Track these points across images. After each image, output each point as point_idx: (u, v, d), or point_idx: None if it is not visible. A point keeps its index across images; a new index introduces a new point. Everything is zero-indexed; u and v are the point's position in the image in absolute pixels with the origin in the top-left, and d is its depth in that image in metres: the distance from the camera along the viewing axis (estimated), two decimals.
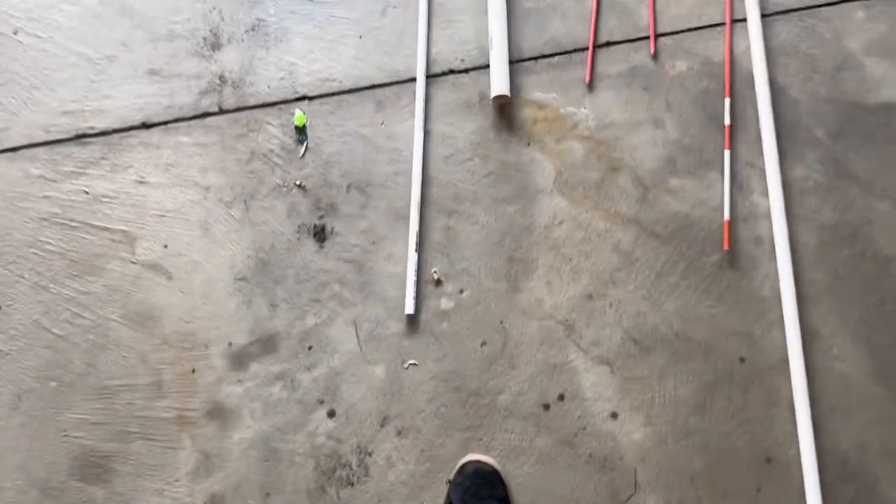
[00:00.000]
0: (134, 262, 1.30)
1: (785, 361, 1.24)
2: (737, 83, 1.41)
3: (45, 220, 1.32)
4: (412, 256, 1.28)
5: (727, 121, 1.38)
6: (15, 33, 1.42)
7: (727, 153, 1.36)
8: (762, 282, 1.29)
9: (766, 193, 1.34)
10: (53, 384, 1.23)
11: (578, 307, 1.28)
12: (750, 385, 1.24)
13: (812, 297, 1.28)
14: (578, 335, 1.27)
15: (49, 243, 1.31)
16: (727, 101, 1.39)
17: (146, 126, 1.37)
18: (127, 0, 1.45)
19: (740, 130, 1.38)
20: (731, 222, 1.32)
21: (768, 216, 1.33)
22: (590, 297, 1.29)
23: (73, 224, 1.32)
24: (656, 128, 1.39)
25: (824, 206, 1.33)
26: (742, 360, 1.25)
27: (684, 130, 1.39)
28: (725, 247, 1.31)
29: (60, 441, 1.20)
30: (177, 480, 1.19)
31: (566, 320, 1.28)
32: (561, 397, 1.24)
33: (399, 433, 1.21)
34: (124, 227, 1.31)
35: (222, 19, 1.44)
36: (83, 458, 1.19)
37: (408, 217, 1.31)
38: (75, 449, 1.20)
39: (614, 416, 1.23)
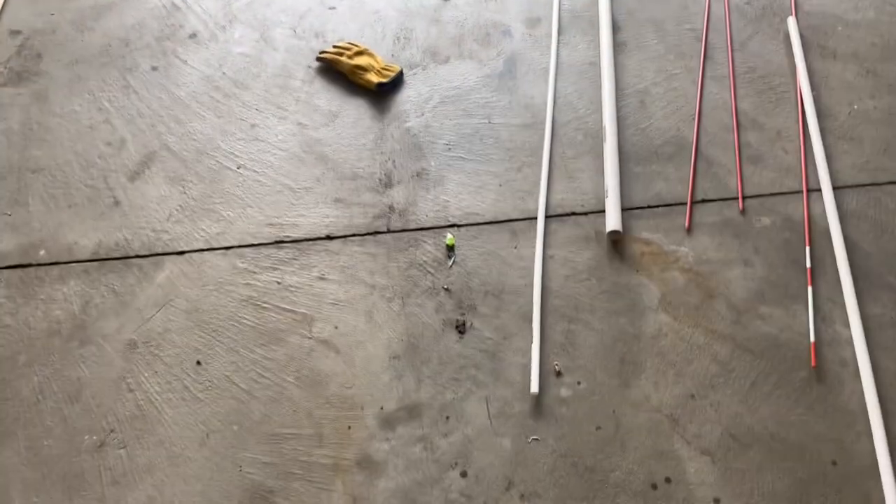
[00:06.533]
0: (309, 338, 1.58)
1: (875, 468, 1.37)
2: (815, 237, 1.68)
3: (244, 301, 1.64)
4: (536, 350, 1.53)
5: (808, 264, 1.64)
6: (238, 168, 1.86)
7: (809, 289, 1.60)
8: (849, 397, 1.46)
9: (846, 324, 1.55)
10: (235, 427, 1.47)
11: (682, 405, 1.47)
12: (843, 487, 1.36)
13: (895, 414, 1.43)
14: (683, 428, 1.44)
15: (245, 318, 1.62)
16: (807, 248, 1.66)
17: (329, 238, 1.73)
18: (324, 150, 1.89)
19: (820, 273, 1.63)
20: (817, 345, 1.53)
21: (850, 342, 1.53)
22: (692, 396, 1.48)
23: (265, 306, 1.64)
24: (746, 266, 1.65)
25: None
26: (834, 462, 1.39)
27: (770, 270, 1.64)
28: (812, 365, 1.50)
29: (236, 474, 1.42)
30: None
31: (671, 415, 1.46)
32: (667, 480, 1.39)
33: (522, 497, 1.38)
34: (305, 311, 1.62)
35: (395, 167, 1.85)
36: (253, 491, 1.40)
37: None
38: (247, 483, 1.41)
39: (717, 501, 1.36)
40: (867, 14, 2.11)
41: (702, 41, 2.07)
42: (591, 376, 1.51)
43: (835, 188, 1.76)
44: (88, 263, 1.72)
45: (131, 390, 1.53)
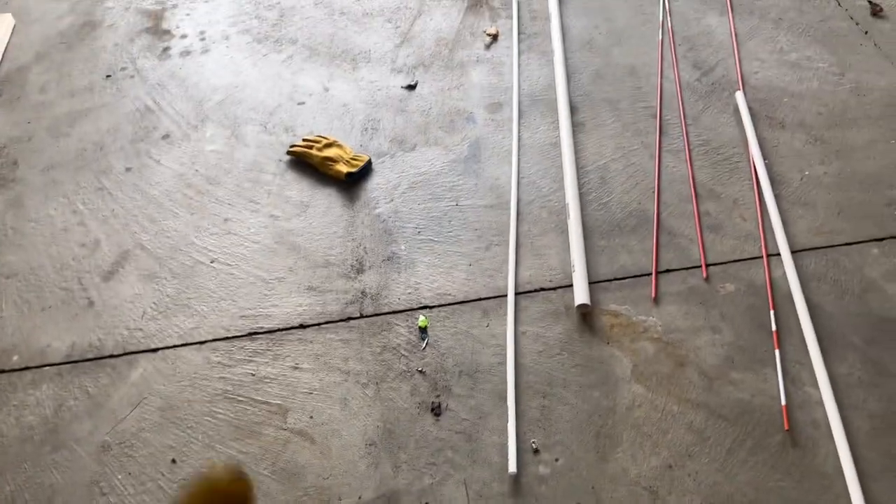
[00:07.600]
0: (285, 429, 1.58)
1: None
2: (778, 301, 1.72)
3: (218, 395, 1.64)
4: (512, 429, 1.53)
5: (774, 327, 1.67)
6: (211, 262, 1.89)
7: (777, 353, 1.63)
8: (824, 459, 1.47)
9: (816, 385, 1.57)
10: None
11: (660, 476, 1.47)
12: None
13: (871, 475, 1.44)
14: (662, 501, 1.44)
15: (219, 413, 1.61)
16: (772, 312, 1.70)
17: (303, 327, 1.75)
18: (296, 240, 1.93)
19: (786, 336, 1.66)
20: (788, 408, 1.54)
21: (821, 403, 1.54)
22: (670, 467, 1.48)
23: (240, 399, 1.63)
24: (714, 332, 1.68)
25: (870, 398, 1.55)
26: None
27: (738, 335, 1.67)
28: (786, 427, 1.51)
29: None
30: None
31: (650, 487, 1.45)
32: None
33: None
34: (280, 402, 1.62)
35: (366, 253, 1.89)
36: None
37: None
38: None
39: None
40: (811, 85, 2.23)
41: (656, 118, 2.16)
42: (568, 452, 1.51)
43: (793, 252, 1.81)
44: (62, 366, 1.71)
45: (104, 494, 1.50)
